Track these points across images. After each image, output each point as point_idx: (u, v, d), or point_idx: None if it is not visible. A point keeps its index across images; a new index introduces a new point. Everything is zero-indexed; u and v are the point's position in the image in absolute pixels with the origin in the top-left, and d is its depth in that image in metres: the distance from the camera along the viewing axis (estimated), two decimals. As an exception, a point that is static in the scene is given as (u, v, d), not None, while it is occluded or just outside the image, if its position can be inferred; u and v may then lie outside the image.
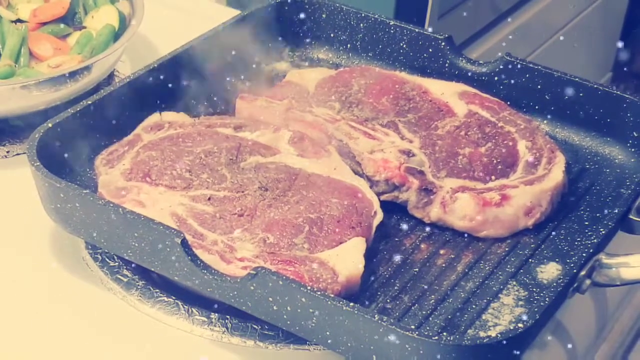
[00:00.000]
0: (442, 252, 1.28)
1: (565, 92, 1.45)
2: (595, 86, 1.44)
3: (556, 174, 1.33)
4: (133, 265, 1.25)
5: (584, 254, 1.18)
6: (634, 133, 1.42)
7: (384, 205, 1.30)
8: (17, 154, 1.46)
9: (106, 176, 1.29)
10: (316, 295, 1.08)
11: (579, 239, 1.29)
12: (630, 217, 1.26)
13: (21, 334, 1.20)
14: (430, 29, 1.57)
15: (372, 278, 1.23)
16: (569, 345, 1.27)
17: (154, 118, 1.40)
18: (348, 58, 1.62)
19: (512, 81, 1.49)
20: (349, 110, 1.43)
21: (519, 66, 1.48)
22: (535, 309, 1.09)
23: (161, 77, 1.42)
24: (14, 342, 1.19)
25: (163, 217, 1.21)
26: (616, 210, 1.26)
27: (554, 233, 1.30)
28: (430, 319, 1.18)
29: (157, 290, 1.24)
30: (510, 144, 1.38)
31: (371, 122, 1.40)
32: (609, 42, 3.09)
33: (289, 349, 1.18)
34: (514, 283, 1.23)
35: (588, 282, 1.17)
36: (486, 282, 1.23)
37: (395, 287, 1.22)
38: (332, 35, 1.63)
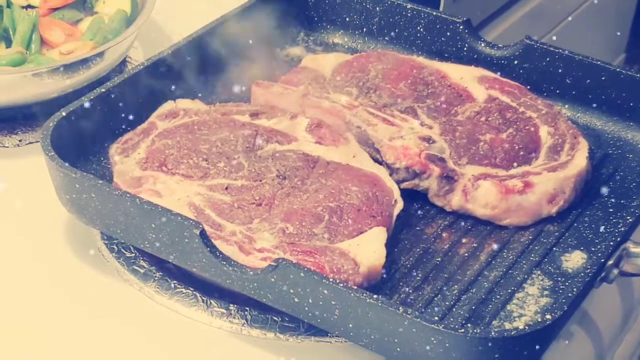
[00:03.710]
0: (464, 241, 1.26)
1: (587, 76, 1.43)
2: (617, 69, 1.41)
3: (579, 160, 1.31)
4: (150, 256, 1.23)
5: (611, 243, 1.15)
6: (658, 117, 1.40)
7: (404, 193, 1.27)
8: (30, 143, 1.44)
9: (121, 165, 1.27)
10: (338, 287, 1.06)
11: (603, 227, 1.26)
12: (657, 204, 1.24)
13: (35, 324, 1.18)
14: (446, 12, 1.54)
15: (394, 268, 1.21)
16: (595, 335, 1.25)
17: (169, 105, 1.38)
18: (364, 42, 1.59)
19: (533, 65, 1.46)
20: (366, 96, 1.40)
21: (539, 49, 1.45)
22: (563, 300, 1.07)
23: (175, 63, 1.40)
24: (28, 332, 1.17)
25: (180, 208, 1.19)
26: (642, 197, 1.25)
27: (577, 221, 1.28)
28: (454, 309, 1.15)
29: (175, 282, 1.22)
30: (532, 129, 1.35)
31: (389, 108, 1.38)
32: (622, 22, 3.06)
33: (310, 341, 1.16)
34: (539, 272, 1.21)
35: (616, 271, 1.15)
36: (510, 271, 1.21)
37: (418, 278, 1.20)
38: (347, 19, 1.60)
